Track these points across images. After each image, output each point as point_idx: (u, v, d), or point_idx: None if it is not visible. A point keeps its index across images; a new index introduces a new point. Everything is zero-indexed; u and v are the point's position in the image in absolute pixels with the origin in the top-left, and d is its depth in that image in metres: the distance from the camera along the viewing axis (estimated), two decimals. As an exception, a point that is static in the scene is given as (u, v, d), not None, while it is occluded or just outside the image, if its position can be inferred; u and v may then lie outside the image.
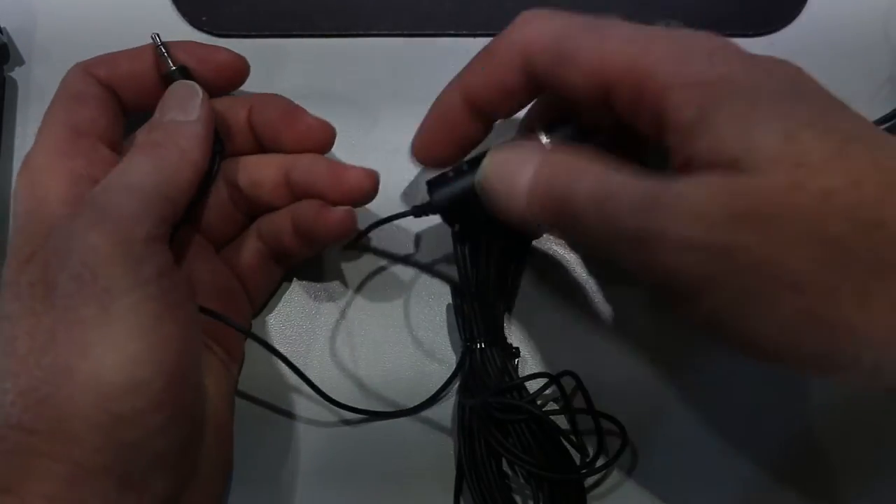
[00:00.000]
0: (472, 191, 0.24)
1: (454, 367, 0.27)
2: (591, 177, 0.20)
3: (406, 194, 0.30)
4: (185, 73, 0.26)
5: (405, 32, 0.31)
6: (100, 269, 0.20)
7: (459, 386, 0.27)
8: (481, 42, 0.30)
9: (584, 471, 0.25)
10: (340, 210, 0.25)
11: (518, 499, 0.26)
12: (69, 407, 0.19)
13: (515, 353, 0.27)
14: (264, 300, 0.29)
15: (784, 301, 0.17)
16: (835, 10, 0.31)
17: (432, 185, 0.25)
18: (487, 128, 0.24)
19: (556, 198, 0.21)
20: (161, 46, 0.25)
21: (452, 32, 0.31)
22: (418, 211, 0.26)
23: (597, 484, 0.27)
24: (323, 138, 0.26)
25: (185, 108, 0.24)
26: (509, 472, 0.26)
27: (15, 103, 0.31)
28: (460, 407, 0.26)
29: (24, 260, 0.21)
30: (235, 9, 0.32)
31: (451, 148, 0.25)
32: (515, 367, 0.27)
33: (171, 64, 0.25)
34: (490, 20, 0.31)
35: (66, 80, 0.25)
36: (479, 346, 0.26)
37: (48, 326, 0.20)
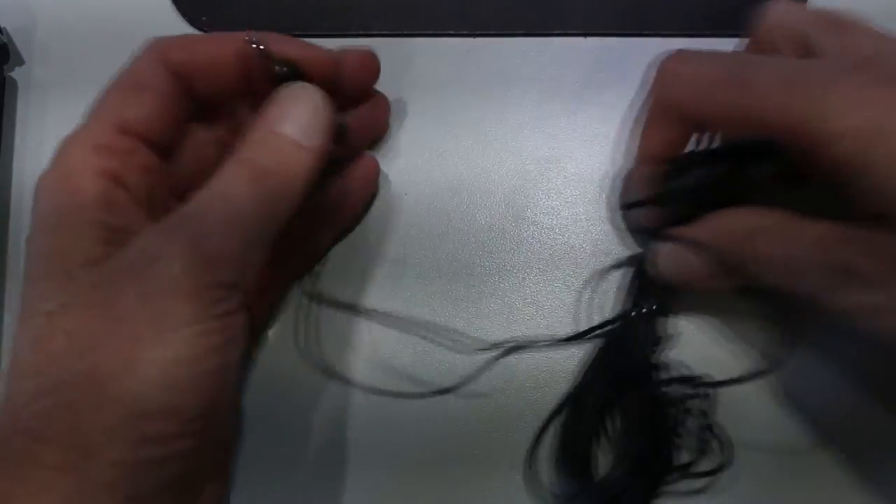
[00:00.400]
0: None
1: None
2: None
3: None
4: (296, 71, 0.23)
5: (404, 32, 0.31)
6: (174, 301, 0.19)
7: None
8: (482, 42, 0.31)
9: (681, 472, 0.25)
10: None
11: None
12: (93, 417, 0.18)
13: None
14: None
15: None
16: (835, 10, 0.31)
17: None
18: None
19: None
20: (257, 44, 0.23)
21: (452, 32, 0.31)
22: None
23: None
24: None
25: (305, 129, 0.22)
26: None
27: (15, 103, 0.31)
28: (606, 351, 0.27)
29: (60, 256, 0.20)
30: (235, 9, 0.32)
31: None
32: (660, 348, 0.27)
33: (277, 60, 0.23)
34: (491, 20, 0.31)
35: (135, 64, 0.23)
36: (644, 310, 0.26)
37: (96, 331, 0.19)
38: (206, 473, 0.22)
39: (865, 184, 0.19)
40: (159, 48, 0.23)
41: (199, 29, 0.31)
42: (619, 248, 0.29)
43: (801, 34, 0.23)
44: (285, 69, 0.23)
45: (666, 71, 0.23)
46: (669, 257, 0.25)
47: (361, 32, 0.31)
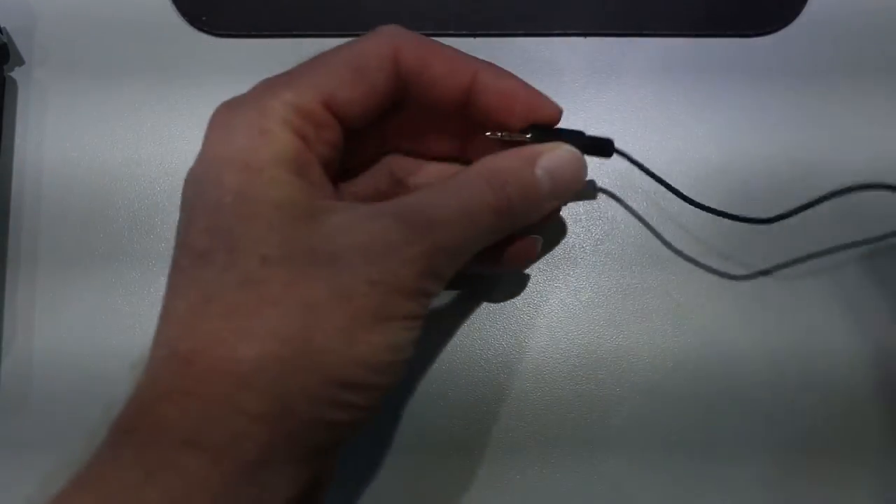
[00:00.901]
0: None
1: None
2: None
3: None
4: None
5: (405, 32, 0.31)
6: (399, 295, 0.20)
7: None
8: (482, 42, 0.31)
9: None
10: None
11: None
12: (300, 378, 0.19)
13: None
14: None
15: None
16: (835, 10, 0.31)
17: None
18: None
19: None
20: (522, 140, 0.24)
21: (452, 32, 0.31)
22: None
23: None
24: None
25: (555, 185, 0.23)
26: None
27: (15, 103, 0.31)
28: None
29: (262, 200, 0.19)
30: (235, 9, 0.32)
31: None
32: None
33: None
34: (491, 20, 0.31)
35: (366, 46, 0.22)
36: None
37: (318, 300, 0.19)
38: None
39: None
40: (395, 42, 0.22)
41: (199, 29, 0.31)
42: (619, 246, 0.29)
43: None
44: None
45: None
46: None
47: (361, 33, 0.31)
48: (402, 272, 0.20)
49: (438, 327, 0.28)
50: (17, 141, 0.31)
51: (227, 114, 0.21)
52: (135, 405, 0.19)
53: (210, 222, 0.19)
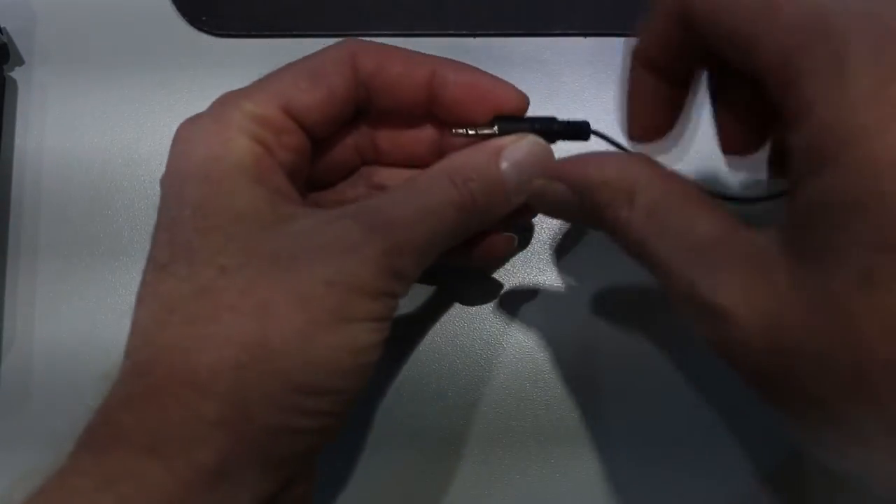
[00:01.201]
0: None
1: None
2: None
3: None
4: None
5: (405, 32, 0.31)
6: (360, 295, 0.20)
7: None
8: (482, 42, 0.31)
9: None
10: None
11: None
12: (258, 382, 0.18)
13: None
14: None
15: None
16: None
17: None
18: (685, 84, 0.22)
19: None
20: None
21: (452, 32, 0.31)
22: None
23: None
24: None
25: (521, 179, 0.22)
26: None
27: (15, 103, 0.31)
28: None
29: (223, 210, 0.20)
30: (235, 9, 0.32)
31: (660, 117, 0.23)
32: None
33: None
34: (491, 20, 0.31)
35: (324, 55, 0.23)
36: None
37: (275, 303, 0.19)
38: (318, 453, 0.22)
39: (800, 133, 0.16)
40: (352, 48, 0.23)
41: (199, 29, 0.32)
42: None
43: None
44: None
45: None
46: (540, 203, 0.24)
47: (362, 32, 0.31)
48: (361, 272, 0.19)
49: (433, 326, 0.28)
50: (18, 141, 0.31)
51: (188, 128, 0.21)
52: (98, 414, 0.19)
53: (171, 235, 0.20)
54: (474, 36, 0.31)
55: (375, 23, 0.32)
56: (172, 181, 0.21)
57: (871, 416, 0.15)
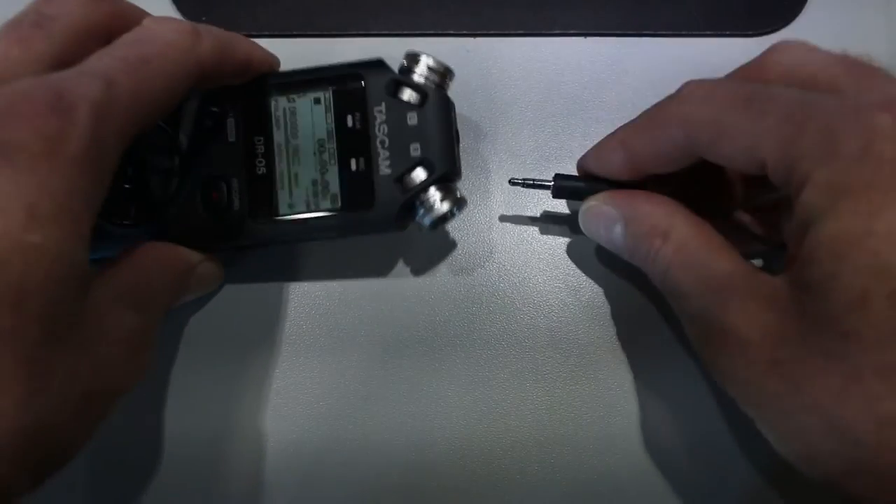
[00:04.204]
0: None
1: None
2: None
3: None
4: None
5: (404, 32, 0.31)
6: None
7: None
8: (482, 42, 0.31)
9: None
10: None
11: None
12: None
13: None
14: None
15: None
16: (835, 10, 0.31)
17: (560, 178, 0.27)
18: (642, 178, 0.25)
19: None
20: None
21: (452, 32, 0.31)
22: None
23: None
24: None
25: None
26: None
27: (15, 103, 0.31)
28: None
29: None
30: (235, 9, 0.32)
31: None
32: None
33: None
34: (491, 20, 0.31)
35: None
36: None
37: None
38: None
39: (809, 246, 0.19)
40: None
41: (199, 29, 0.31)
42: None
43: (813, 78, 0.22)
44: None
45: (690, 88, 0.23)
46: (589, 219, 0.26)
47: (361, 32, 0.31)
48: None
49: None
50: (17, 141, 0.31)
51: None
52: None
53: None
54: (474, 36, 0.31)
55: (375, 23, 0.32)
56: None
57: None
